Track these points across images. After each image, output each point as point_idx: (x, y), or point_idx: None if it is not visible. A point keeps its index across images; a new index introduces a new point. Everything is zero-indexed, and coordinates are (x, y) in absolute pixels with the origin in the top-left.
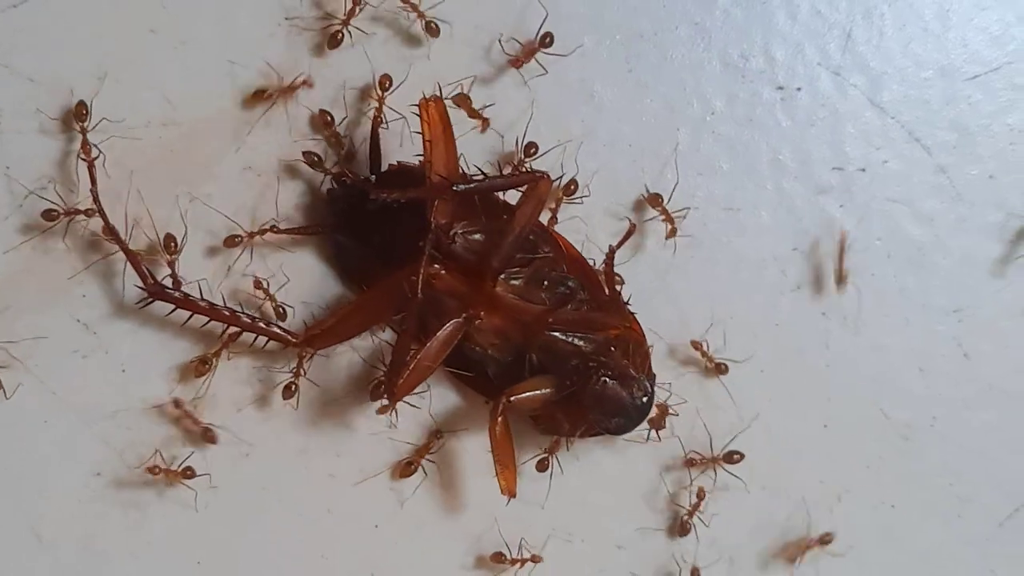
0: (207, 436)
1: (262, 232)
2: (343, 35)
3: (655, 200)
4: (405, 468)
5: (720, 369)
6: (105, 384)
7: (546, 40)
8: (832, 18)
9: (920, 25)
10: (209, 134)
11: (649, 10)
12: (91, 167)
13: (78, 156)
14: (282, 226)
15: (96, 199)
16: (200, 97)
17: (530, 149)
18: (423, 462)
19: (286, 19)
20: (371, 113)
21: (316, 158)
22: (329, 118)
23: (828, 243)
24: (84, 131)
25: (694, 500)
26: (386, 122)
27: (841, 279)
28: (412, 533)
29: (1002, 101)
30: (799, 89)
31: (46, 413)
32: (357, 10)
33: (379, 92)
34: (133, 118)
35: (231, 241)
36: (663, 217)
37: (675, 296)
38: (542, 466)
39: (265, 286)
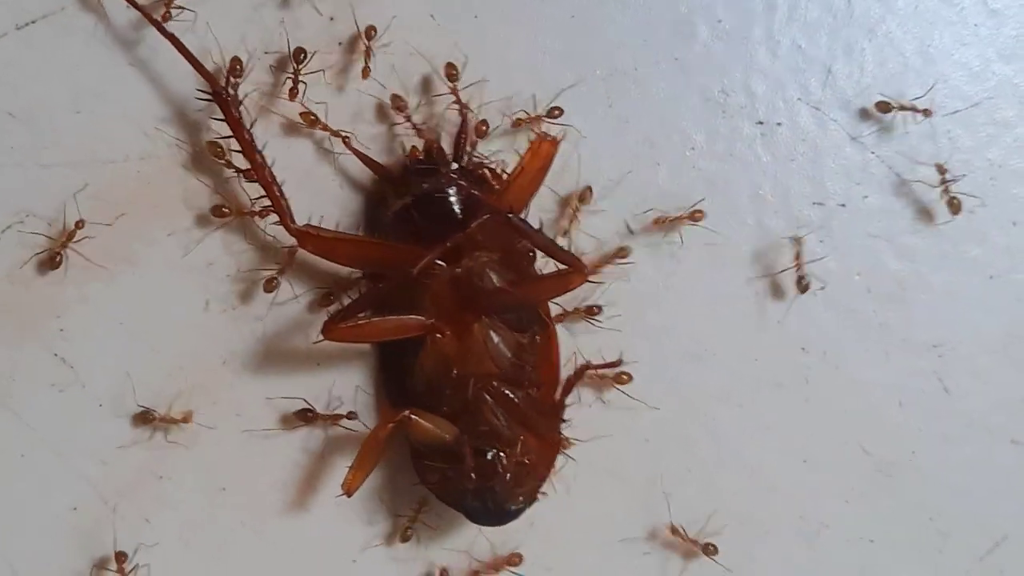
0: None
1: (341, 136)
2: None
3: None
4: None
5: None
6: (82, 419)
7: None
8: (812, 54)
9: (900, 61)
10: None
11: (630, 46)
12: None
13: None
14: (355, 146)
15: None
16: None
17: None
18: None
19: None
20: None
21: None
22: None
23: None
24: None
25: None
26: (469, 108)
27: (803, 286)
28: None
29: (982, 136)
30: (779, 124)
31: (22, 447)
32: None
33: (450, 84)
34: None
35: (309, 119)
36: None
37: (653, 330)
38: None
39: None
